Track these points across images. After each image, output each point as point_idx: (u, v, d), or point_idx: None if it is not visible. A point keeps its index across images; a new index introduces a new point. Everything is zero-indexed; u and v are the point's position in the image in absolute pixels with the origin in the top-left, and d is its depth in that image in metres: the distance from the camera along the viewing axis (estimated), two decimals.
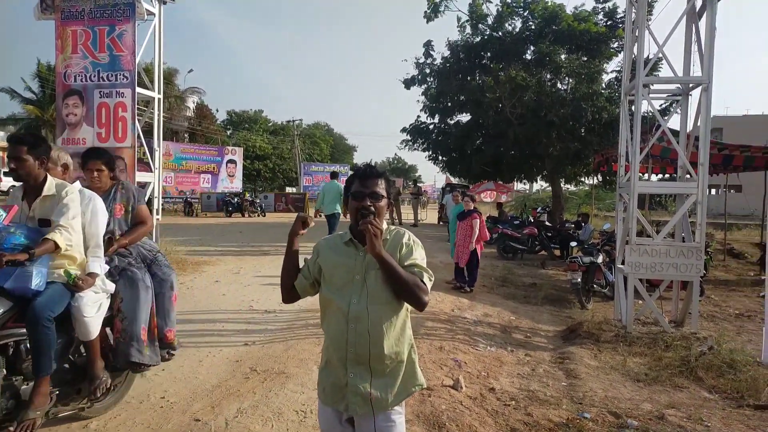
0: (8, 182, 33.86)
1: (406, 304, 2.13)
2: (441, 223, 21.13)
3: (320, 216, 11.41)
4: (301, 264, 2.28)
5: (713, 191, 38.32)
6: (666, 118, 8.50)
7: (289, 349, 5.47)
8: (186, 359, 5.03)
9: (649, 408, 4.39)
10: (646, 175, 10.43)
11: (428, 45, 19.45)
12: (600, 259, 9.24)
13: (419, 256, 2.14)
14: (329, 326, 2.17)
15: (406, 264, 2.08)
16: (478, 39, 18.84)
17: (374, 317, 2.06)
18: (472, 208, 9.63)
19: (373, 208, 2.08)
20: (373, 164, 2.29)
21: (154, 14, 9.48)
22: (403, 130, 20.68)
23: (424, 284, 2.06)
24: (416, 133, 20.50)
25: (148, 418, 3.78)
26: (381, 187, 2.15)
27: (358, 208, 2.10)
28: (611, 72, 18.29)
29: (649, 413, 4.25)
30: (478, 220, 9.40)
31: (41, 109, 32.39)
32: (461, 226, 9.59)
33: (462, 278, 9.59)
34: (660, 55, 6.93)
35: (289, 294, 2.30)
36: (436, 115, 20.06)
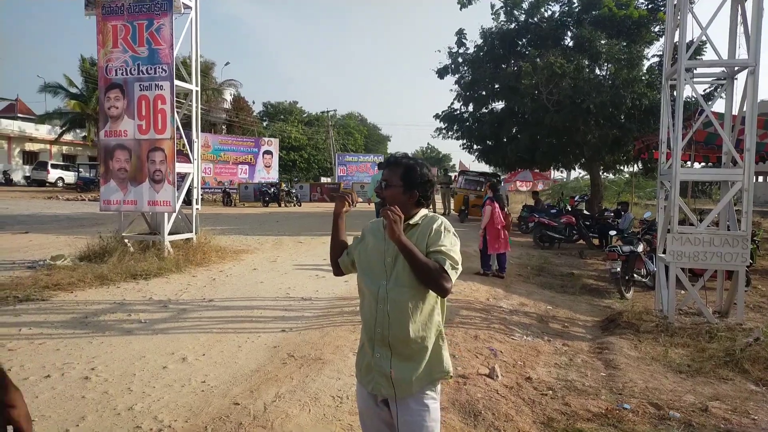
0: (56, 174, 35.16)
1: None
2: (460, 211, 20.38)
3: (371, 204, 12.45)
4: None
5: (760, 178, 36.93)
6: (710, 103, 8.19)
7: (325, 336, 5.54)
8: (226, 344, 5.15)
9: (692, 400, 4.28)
10: (689, 163, 10.09)
11: (461, 33, 19.20)
12: (640, 248, 9.02)
13: (448, 243, 2.12)
14: (362, 307, 2.25)
15: (431, 250, 2.09)
16: (512, 25, 18.52)
17: (402, 301, 2.09)
18: (490, 195, 9.68)
19: (383, 195, 2.23)
20: (400, 154, 2.32)
21: (190, 8, 9.66)
22: (436, 116, 20.50)
23: (446, 271, 2.04)
24: (450, 121, 20.29)
25: (190, 401, 3.90)
26: (396, 175, 2.22)
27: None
28: (652, 57, 17.75)
29: (692, 405, 4.16)
30: (489, 208, 9.41)
31: (84, 103, 33.38)
32: (483, 213, 9.71)
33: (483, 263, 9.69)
34: (703, 37, 6.68)
35: (336, 269, 2.46)
36: (470, 104, 19.83)
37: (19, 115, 43.98)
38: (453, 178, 24.75)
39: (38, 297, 6.63)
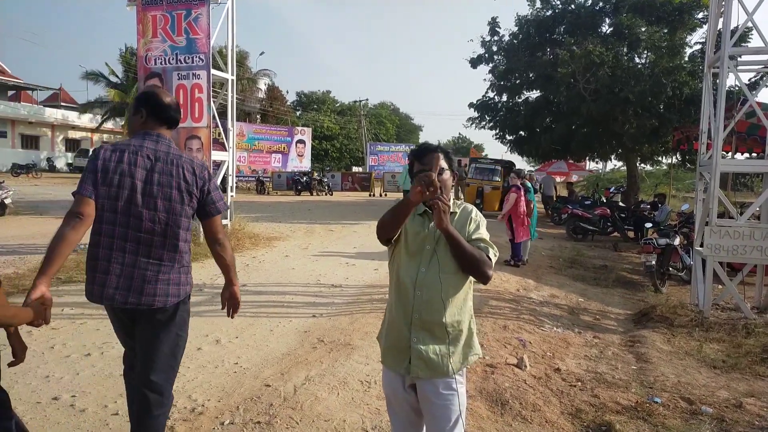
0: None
1: (470, 277, 2.19)
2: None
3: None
4: None
5: None
6: (754, 92, 7.93)
7: (354, 322, 5.61)
8: (258, 328, 5.27)
9: (726, 396, 4.20)
10: (730, 154, 9.78)
11: (494, 22, 18.93)
12: (677, 242, 8.82)
13: (485, 232, 2.22)
14: (397, 291, 2.23)
15: (473, 238, 2.16)
16: (549, 12, 18.16)
17: (440, 286, 2.13)
18: (518, 183, 9.63)
19: (437, 183, 2.08)
20: (435, 143, 2.32)
21: None
22: (471, 105, 20.29)
23: (490, 259, 2.12)
24: (484, 109, 20.07)
25: (223, 381, 4.02)
26: (441, 161, 2.18)
27: (421, 184, 2.09)
28: (694, 44, 17.18)
29: (725, 401, 4.07)
30: (515, 195, 9.41)
31: (124, 92, 34.19)
32: (506, 199, 9.74)
33: (513, 253, 9.67)
34: (749, 24, 6.44)
35: (390, 234, 2.18)
36: (504, 94, 19.57)
37: (62, 104, 45.36)
38: (461, 164, 23.44)
39: (80, 279, 6.89)
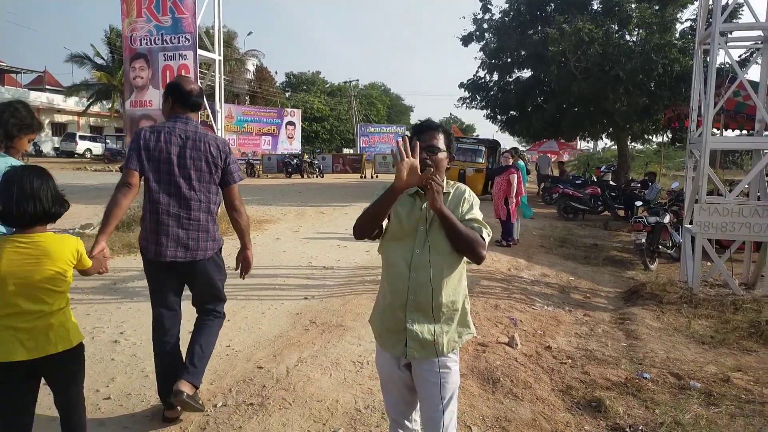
0: (84, 145, 35.78)
1: (464, 257, 2.18)
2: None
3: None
4: None
5: None
6: (744, 69, 7.92)
7: (346, 304, 5.62)
8: (250, 311, 5.26)
9: (714, 370, 4.25)
10: (720, 132, 9.81)
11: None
12: (666, 219, 8.87)
13: (478, 212, 2.19)
14: (390, 273, 2.21)
15: (467, 218, 2.13)
16: None
17: (435, 267, 2.11)
18: (510, 163, 9.59)
19: (429, 161, 2.09)
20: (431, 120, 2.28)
21: None
22: (461, 85, 20.16)
23: (483, 239, 2.11)
24: (474, 89, 19.96)
25: (215, 364, 4.01)
26: (438, 140, 2.17)
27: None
28: (685, 21, 17.12)
29: (713, 375, 4.13)
30: (515, 175, 9.38)
31: (110, 74, 33.70)
32: (498, 181, 9.65)
33: (505, 234, 9.66)
34: (740, 0, 6.41)
35: (371, 232, 2.15)
36: (495, 73, 19.44)
37: (47, 87, 44.66)
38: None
39: None
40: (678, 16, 16.36)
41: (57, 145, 38.10)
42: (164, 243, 3.07)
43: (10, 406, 2.29)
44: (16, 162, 2.75)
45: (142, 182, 3.06)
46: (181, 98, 3.14)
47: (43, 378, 2.43)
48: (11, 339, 2.19)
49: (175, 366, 3.25)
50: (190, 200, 3.08)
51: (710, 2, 6.56)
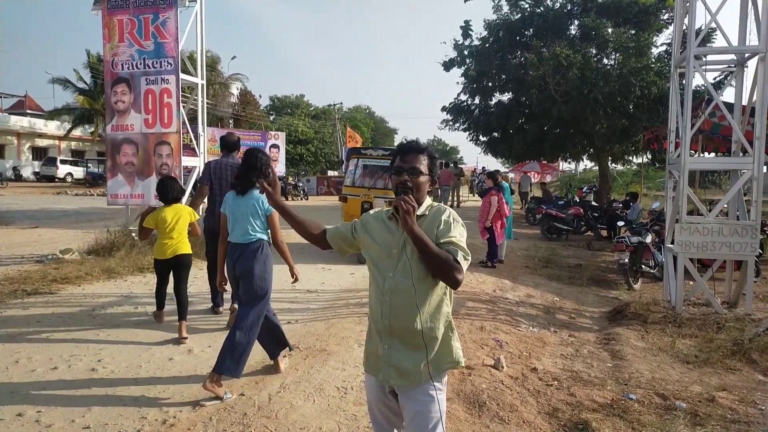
0: (65, 169, 35.36)
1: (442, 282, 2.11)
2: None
3: None
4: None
5: None
6: (719, 91, 8.10)
7: (330, 328, 5.55)
8: None
9: (699, 390, 4.25)
10: (698, 153, 9.99)
11: (466, 26, 19.03)
12: (649, 239, 8.95)
13: (457, 234, 2.10)
14: (370, 298, 2.22)
15: (442, 241, 2.05)
16: (518, 16, 18.34)
17: (409, 292, 2.05)
18: (491, 185, 9.78)
19: (410, 184, 2.07)
20: (417, 141, 2.26)
21: (195, 1, 9.64)
22: (443, 109, 20.35)
23: (458, 262, 2.00)
24: (456, 112, 20.15)
25: (195, 392, 3.91)
26: (422, 163, 2.14)
27: (396, 183, 2.09)
28: (661, 45, 17.53)
29: (698, 395, 4.13)
30: (496, 197, 9.49)
31: (92, 99, 33.50)
32: (482, 203, 9.81)
33: (490, 255, 9.72)
34: (713, 24, 6.59)
35: (316, 241, 2.39)
36: (477, 96, 19.67)
37: (29, 111, 44.21)
38: (462, 170, 23.68)
39: (46, 290, 6.69)
40: (653, 40, 16.77)
41: (37, 170, 37.59)
42: (213, 217, 5.65)
43: (160, 282, 5.41)
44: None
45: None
46: (222, 146, 5.97)
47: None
48: (164, 248, 5.14)
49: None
50: None
51: (684, 27, 6.72)
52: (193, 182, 9.83)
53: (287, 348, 4.46)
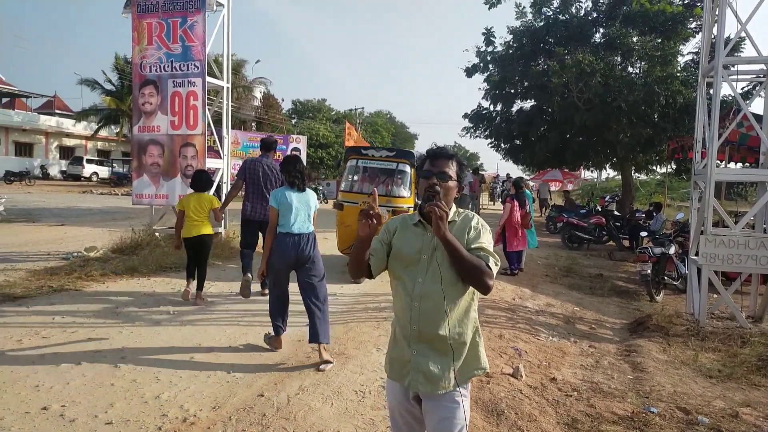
0: (90, 169, 36.05)
1: (471, 287, 2.11)
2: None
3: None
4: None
5: None
6: (748, 102, 7.96)
7: (349, 332, 5.57)
8: (251, 337, 5.22)
9: (722, 405, 4.18)
10: (724, 163, 9.83)
11: (489, 32, 19.01)
12: (672, 250, 8.82)
13: (486, 240, 2.13)
14: (396, 303, 2.21)
15: (473, 247, 2.08)
16: (542, 23, 18.26)
17: (438, 297, 2.06)
18: (513, 193, 9.87)
19: (439, 188, 2.06)
20: (444, 148, 2.27)
21: (223, 5, 9.79)
22: (465, 116, 20.34)
23: (489, 268, 2.03)
24: (478, 120, 20.12)
25: (215, 391, 3.96)
26: (450, 168, 2.16)
27: (425, 187, 2.09)
28: (687, 54, 17.31)
29: (721, 411, 4.05)
30: (509, 205, 9.53)
31: (119, 100, 34.12)
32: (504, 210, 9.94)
33: (511, 263, 9.69)
34: (742, 33, 6.49)
35: (359, 271, 2.21)
36: (499, 103, 19.61)
37: (57, 111, 45.17)
38: (483, 177, 23.52)
39: (72, 287, 6.82)
40: (680, 48, 16.55)
41: (64, 168, 38.38)
42: (249, 209, 6.77)
43: (188, 258, 6.45)
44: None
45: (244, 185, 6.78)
46: (264, 146, 7.09)
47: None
48: (189, 227, 6.28)
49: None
50: (268, 194, 6.49)
51: (713, 36, 6.63)
52: (217, 183, 9.96)
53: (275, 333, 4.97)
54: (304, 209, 4.76)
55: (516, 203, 9.56)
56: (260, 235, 6.54)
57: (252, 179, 6.67)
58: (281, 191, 4.77)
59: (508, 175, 23.31)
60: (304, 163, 5.05)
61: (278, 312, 4.90)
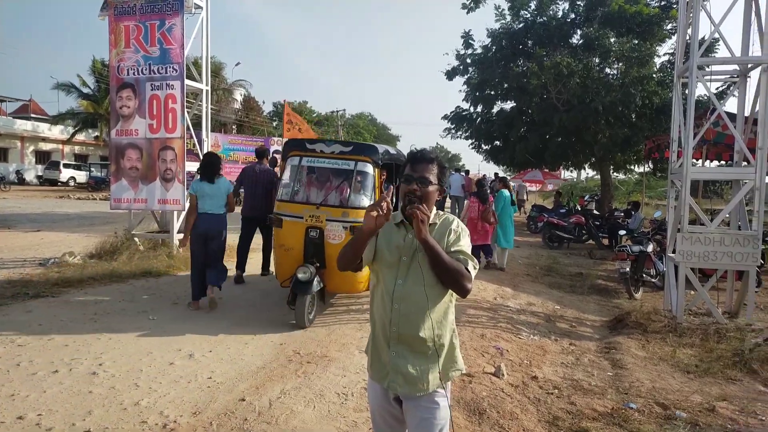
0: (68, 173, 35.46)
1: (450, 290, 2.13)
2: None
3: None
4: None
5: None
6: (722, 101, 8.11)
7: (331, 334, 5.56)
8: (232, 342, 5.18)
9: (699, 400, 4.25)
10: (700, 162, 10.00)
11: (467, 35, 19.12)
12: (650, 248, 8.95)
13: (465, 244, 2.14)
14: (375, 304, 2.20)
15: (452, 250, 2.09)
16: (520, 25, 18.41)
17: (417, 299, 2.07)
18: (474, 191, 10.28)
19: (419, 193, 2.07)
20: (427, 150, 2.24)
21: (201, 7, 9.71)
22: (445, 117, 20.43)
23: (468, 272, 2.04)
24: (458, 121, 20.21)
25: (196, 396, 3.93)
26: (432, 173, 2.14)
27: (406, 192, 2.10)
28: (663, 55, 17.58)
29: (699, 405, 4.13)
30: (467, 202, 10.02)
31: (97, 103, 33.62)
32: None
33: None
34: (716, 34, 6.62)
35: (351, 264, 2.20)
36: (479, 105, 19.72)
37: (33, 115, 44.39)
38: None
39: (48, 293, 6.71)
40: (656, 49, 16.82)
41: (40, 173, 37.69)
42: (249, 207, 7.85)
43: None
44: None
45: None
46: (257, 154, 8.31)
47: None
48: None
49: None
50: (263, 194, 7.73)
51: (688, 37, 6.76)
52: None
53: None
54: (215, 196, 6.20)
55: (471, 199, 9.95)
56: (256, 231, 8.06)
57: (249, 182, 7.94)
58: (198, 183, 6.22)
59: (496, 174, 23.44)
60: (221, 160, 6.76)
61: (196, 278, 6.26)
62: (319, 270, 5.81)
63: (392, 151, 7.48)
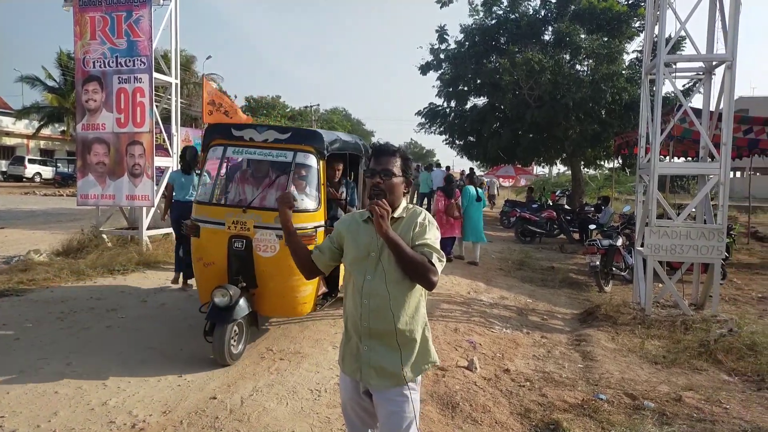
0: (33, 169, 34.52)
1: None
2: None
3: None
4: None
5: (738, 174, 37.53)
6: (688, 98, 8.30)
7: (304, 330, 5.52)
8: (203, 340, 5.09)
9: (667, 390, 4.34)
10: (667, 158, 10.21)
11: (442, 30, 19.18)
12: (619, 242, 9.12)
13: (432, 237, 2.12)
14: (346, 299, 2.21)
15: (417, 243, 2.08)
16: (493, 21, 18.54)
17: (387, 294, 2.06)
18: (442, 185, 10.60)
19: (383, 186, 2.07)
20: (390, 144, 2.24)
21: None
22: (418, 113, 20.51)
23: (433, 264, 2.04)
24: (432, 117, 20.30)
25: (166, 395, 3.86)
26: (395, 165, 2.13)
27: (371, 186, 2.09)
28: (632, 52, 17.92)
29: (666, 395, 4.22)
30: (435, 196, 10.49)
31: (63, 97, 32.73)
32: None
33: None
34: (682, 32, 6.75)
35: (310, 272, 2.32)
36: (452, 100, 19.81)
37: None
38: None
39: (13, 293, 6.51)
40: (625, 47, 17.12)
41: (4, 169, 36.56)
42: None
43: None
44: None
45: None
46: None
47: None
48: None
49: None
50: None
51: (655, 35, 6.88)
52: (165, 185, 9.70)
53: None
54: (187, 185, 7.01)
55: (438, 193, 10.27)
56: None
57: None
58: (176, 173, 7.26)
59: (471, 169, 23.61)
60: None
61: (177, 256, 6.98)
62: (248, 290, 4.61)
63: (346, 138, 5.90)
